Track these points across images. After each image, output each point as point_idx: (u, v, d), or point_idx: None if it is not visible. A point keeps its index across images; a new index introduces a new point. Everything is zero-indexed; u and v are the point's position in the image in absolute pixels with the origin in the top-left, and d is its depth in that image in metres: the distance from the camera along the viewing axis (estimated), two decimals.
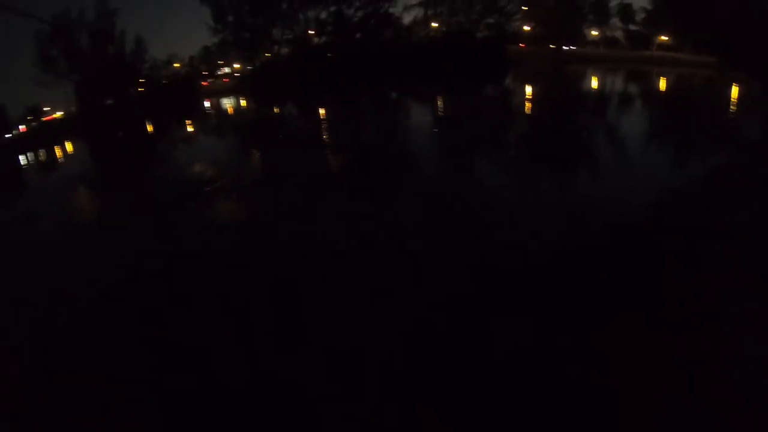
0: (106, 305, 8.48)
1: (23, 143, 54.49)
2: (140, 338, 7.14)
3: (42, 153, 42.10)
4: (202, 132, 34.28)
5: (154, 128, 41.37)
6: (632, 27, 73.72)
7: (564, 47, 59.45)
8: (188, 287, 8.68)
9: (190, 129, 36.81)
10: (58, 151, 41.17)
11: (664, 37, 69.04)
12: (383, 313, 6.87)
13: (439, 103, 31.51)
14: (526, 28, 59.46)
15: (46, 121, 64.64)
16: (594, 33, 70.42)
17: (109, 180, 22.93)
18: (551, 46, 57.32)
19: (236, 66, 59.75)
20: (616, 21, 71.94)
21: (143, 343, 7.00)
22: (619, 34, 74.68)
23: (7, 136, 60.05)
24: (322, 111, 34.12)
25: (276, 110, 38.60)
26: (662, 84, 35.13)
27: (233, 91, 53.96)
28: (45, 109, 65.44)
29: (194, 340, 6.88)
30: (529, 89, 35.66)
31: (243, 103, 47.39)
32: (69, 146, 42.90)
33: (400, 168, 15.89)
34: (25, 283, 10.37)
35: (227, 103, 49.39)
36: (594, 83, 38.12)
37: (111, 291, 8.98)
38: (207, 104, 50.88)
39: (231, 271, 9.01)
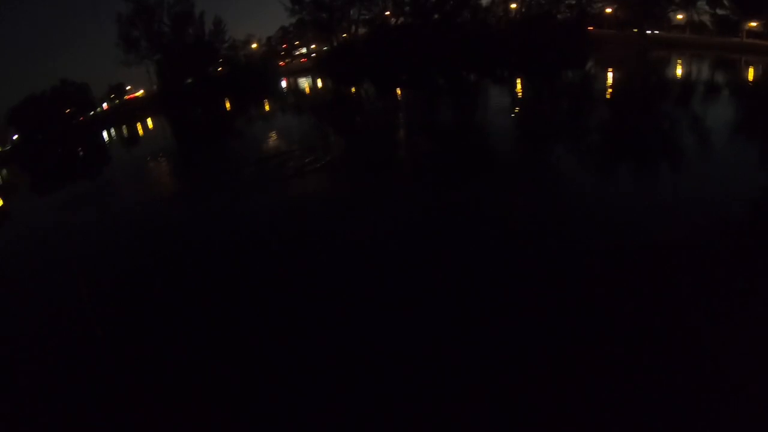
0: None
1: (106, 120, 58.58)
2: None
3: (124, 129, 44.84)
4: (279, 111, 35.58)
5: (232, 107, 43.18)
6: (720, 11, 69.03)
7: (647, 32, 56.66)
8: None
9: (267, 108, 38.25)
10: (139, 128, 43.79)
11: (753, 23, 64.20)
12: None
13: (518, 87, 31.19)
14: (609, 10, 57.09)
15: (128, 99, 68.91)
16: (679, 17, 66.47)
17: (187, 156, 24.38)
18: (634, 30, 54.80)
19: (313, 46, 61.14)
20: (703, 4, 67.58)
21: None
22: (706, 18, 70.05)
23: (91, 113, 64.61)
24: (398, 92, 34.58)
25: (353, 90, 39.41)
26: (751, 74, 32.89)
27: (310, 71, 55.27)
28: (127, 88, 69.86)
29: None
30: (611, 75, 34.49)
31: (320, 83, 48.61)
32: (150, 123, 45.57)
33: (480, 152, 15.83)
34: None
35: (304, 83, 50.78)
36: (679, 71, 36.31)
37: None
38: (284, 84, 52.55)
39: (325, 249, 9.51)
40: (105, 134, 47.77)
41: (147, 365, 6.71)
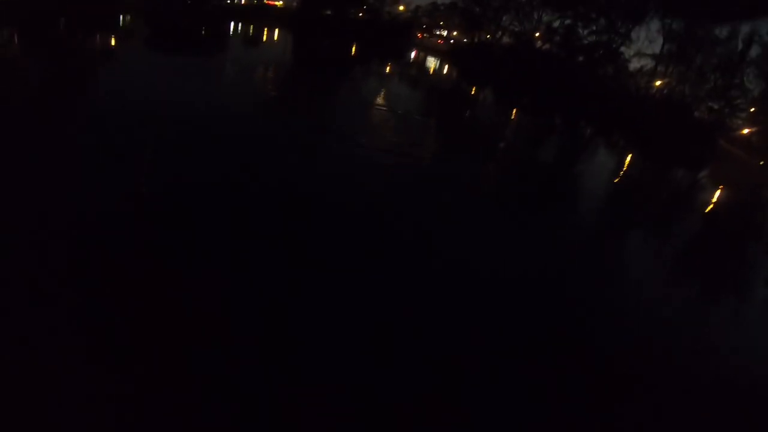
0: None
1: (239, 13, 59.96)
2: None
3: (251, 28, 45.58)
4: (397, 77, 36.29)
5: (357, 54, 43.95)
6: None
7: None
8: None
9: (388, 69, 39.04)
10: (265, 33, 44.65)
11: None
12: None
13: (626, 161, 30.91)
14: (745, 131, 54.65)
15: (267, 3, 70.77)
16: None
17: (293, 79, 25.05)
18: (761, 162, 52.33)
19: (455, 33, 61.48)
20: None
21: None
22: None
23: (227, 1, 66.40)
24: (513, 111, 34.82)
25: (472, 90, 39.83)
26: None
27: (441, 55, 55.74)
28: None
29: None
30: (719, 193, 33.53)
31: (445, 69, 49.15)
32: (276, 34, 46.58)
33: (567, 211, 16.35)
34: None
35: (431, 63, 51.41)
36: None
37: None
38: (413, 55, 53.28)
39: None
40: (232, 25, 49.36)
41: None
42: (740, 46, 48.55)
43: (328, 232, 9.36)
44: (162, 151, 10.62)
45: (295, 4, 61.78)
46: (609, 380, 7.43)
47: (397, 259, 9.07)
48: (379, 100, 22.28)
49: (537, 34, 49.74)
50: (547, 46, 48.47)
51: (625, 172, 27.48)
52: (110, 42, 24.81)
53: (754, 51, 48.42)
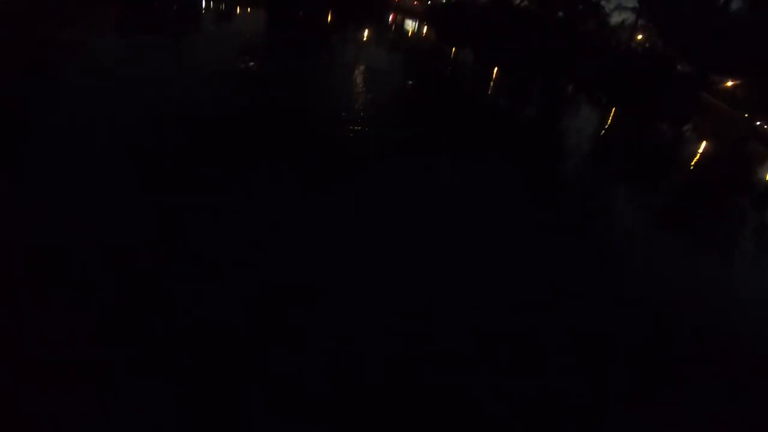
0: None
1: None
2: None
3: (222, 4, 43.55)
4: (375, 42, 35.01)
5: (333, 22, 42.25)
6: None
7: (758, 123, 53.78)
8: None
9: (365, 35, 37.73)
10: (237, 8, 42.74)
11: None
12: None
13: (609, 119, 30.29)
14: (729, 84, 54.15)
15: None
16: None
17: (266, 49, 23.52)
18: (745, 114, 52.04)
19: None
20: None
21: None
22: None
23: None
24: (494, 71, 33.87)
25: (452, 52, 38.70)
26: None
27: (418, 16, 54.12)
28: None
29: None
30: (703, 146, 33.19)
31: (424, 31, 47.73)
32: (249, 8, 44.49)
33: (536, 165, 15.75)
34: None
35: (409, 26, 49.87)
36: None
37: None
38: (390, 18, 51.61)
39: None
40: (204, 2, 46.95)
41: None
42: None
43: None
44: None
45: None
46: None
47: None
48: (357, 66, 21.36)
49: None
50: (525, 2, 47.13)
51: (608, 127, 26.95)
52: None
53: (735, 4, 47.73)
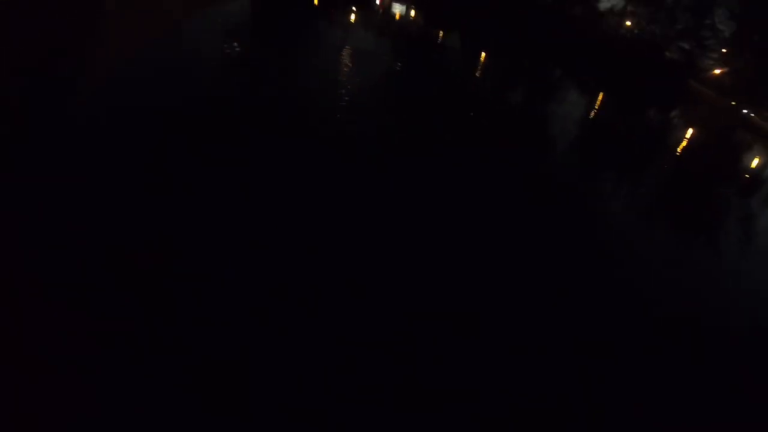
0: None
1: None
2: None
3: None
4: (361, 26, 34.39)
5: (319, 5, 41.43)
6: None
7: (745, 110, 53.98)
8: None
9: (352, 19, 37.08)
10: None
11: None
12: None
13: (596, 105, 30.09)
14: (717, 71, 54.18)
15: None
16: None
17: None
18: (733, 102, 52.20)
19: None
20: None
21: None
22: None
23: None
24: (482, 55, 33.50)
25: (440, 35, 38.20)
26: None
27: (407, 0, 53.30)
28: None
29: None
30: (690, 133, 33.20)
31: (412, 14, 47.00)
32: None
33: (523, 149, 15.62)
34: None
35: (397, 9, 49.06)
36: (755, 161, 35.01)
37: None
38: (378, 1, 50.74)
39: None
40: None
41: None
42: None
43: None
44: None
45: None
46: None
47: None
48: (344, 50, 20.91)
49: None
50: None
51: (594, 112, 26.81)
52: None
53: None
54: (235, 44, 17.22)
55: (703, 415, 6.08)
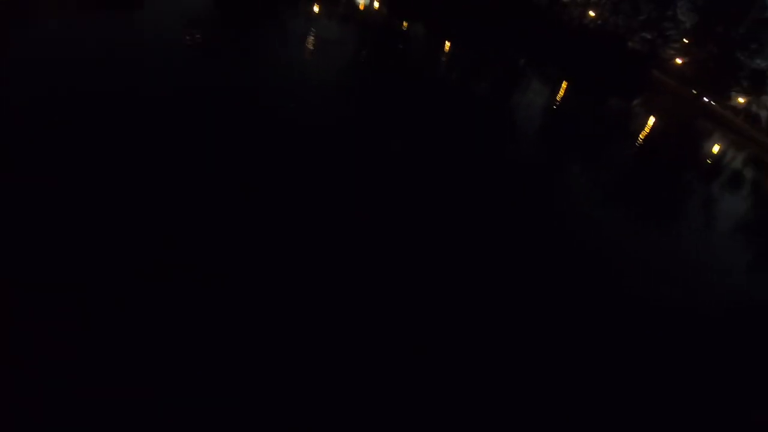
0: None
1: None
2: None
3: None
4: (325, 17, 33.74)
5: None
6: None
7: (705, 98, 55.25)
8: None
9: (315, 9, 36.33)
10: None
11: None
12: None
13: (559, 93, 30.08)
14: (678, 61, 55.23)
15: None
16: (741, 100, 65.11)
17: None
18: (693, 91, 53.37)
19: None
20: (767, 100, 66.07)
21: None
22: (764, 114, 68.82)
23: None
24: (446, 45, 33.17)
25: (403, 25, 37.72)
26: None
27: None
28: None
29: None
30: (652, 121, 33.60)
31: (376, 5, 46.38)
32: None
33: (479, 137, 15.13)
34: None
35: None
36: (715, 148, 35.76)
37: None
38: None
39: None
40: None
41: None
42: None
43: None
44: None
45: None
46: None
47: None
48: (307, 39, 20.21)
49: None
50: None
51: (558, 101, 26.73)
52: None
53: None
54: (197, 34, 16.44)
55: (676, 397, 5.88)
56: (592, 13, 47.51)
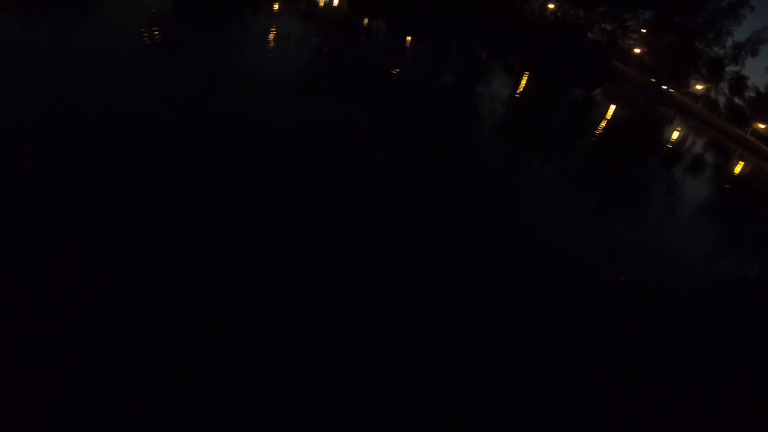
0: None
1: None
2: None
3: None
4: (287, 13, 33.31)
5: None
6: (737, 100, 69.84)
7: (664, 86, 56.59)
8: None
9: (276, 6, 35.85)
10: None
11: (762, 125, 65.52)
12: None
13: (522, 85, 30.27)
14: (637, 51, 56.38)
15: None
16: (699, 87, 66.98)
17: None
18: (652, 79, 54.57)
19: None
20: (724, 86, 68.19)
21: None
22: (722, 100, 71.01)
23: None
24: (408, 40, 33.06)
25: (365, 21, 37.47)
26: (738, 168, 33.66)
27: None
28: None
29: None
30: (612, 109, 34.14)
31: (336, 1, 46.01)
32: None
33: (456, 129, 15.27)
34: None
35: None
36: (675, 134, 36.55)
37: None
38: None
39: None
40: None
41: None
42: None
43: None
44: None
45: None
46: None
47: None
48: (268, 36, 19.77)
49: None
50: None
51: (519, 92, 26.86)
52: None
53: None
54: (156, 31, 15.79)
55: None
56: (551, 6, 48.06)
